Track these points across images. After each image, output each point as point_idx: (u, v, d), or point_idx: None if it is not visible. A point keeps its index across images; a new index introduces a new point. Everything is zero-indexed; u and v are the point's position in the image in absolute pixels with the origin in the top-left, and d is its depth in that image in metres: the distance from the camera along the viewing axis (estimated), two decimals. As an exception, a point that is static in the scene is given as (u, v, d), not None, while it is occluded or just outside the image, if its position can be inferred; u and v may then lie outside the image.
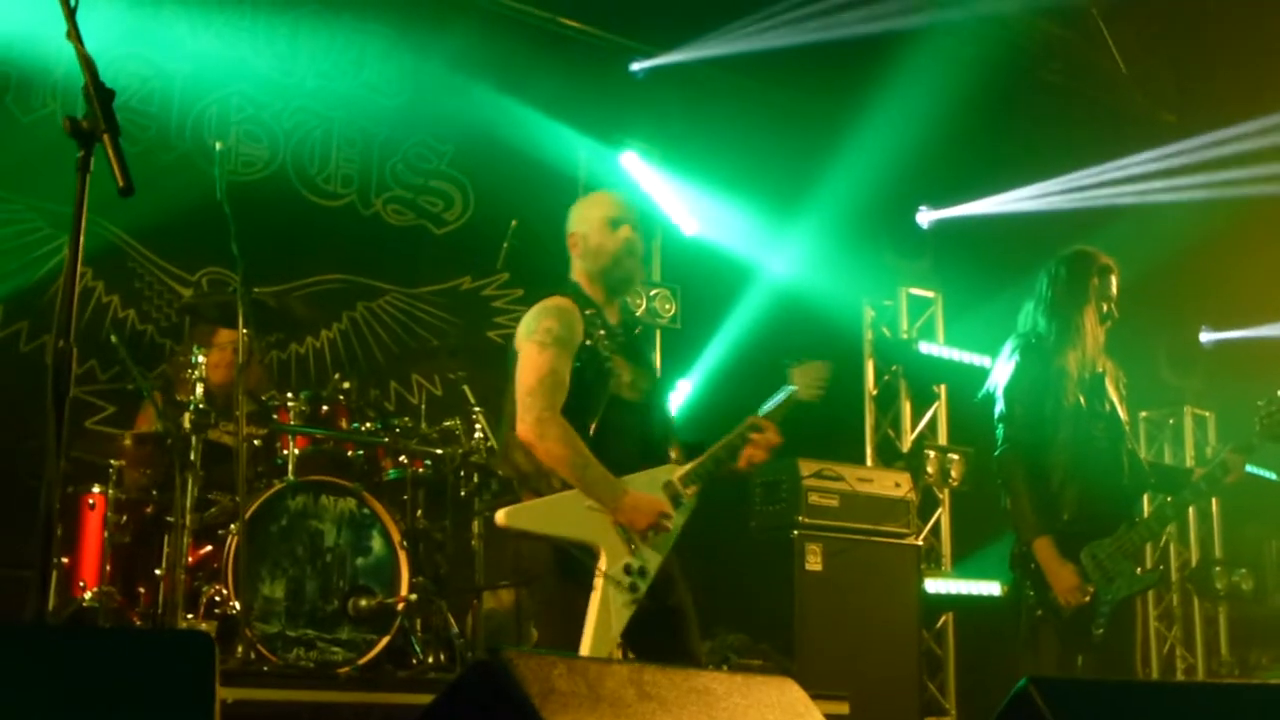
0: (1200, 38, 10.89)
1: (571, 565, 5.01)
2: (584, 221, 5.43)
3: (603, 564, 4.97)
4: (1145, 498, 7.32)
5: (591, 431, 5.12)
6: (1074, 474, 6.09)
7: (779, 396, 5.46)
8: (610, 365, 5.23)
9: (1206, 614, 12.40)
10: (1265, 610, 12.06)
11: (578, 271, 5.43)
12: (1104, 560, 5.99)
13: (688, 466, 5.26)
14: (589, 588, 4.95)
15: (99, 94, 3.51)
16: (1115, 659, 6.02)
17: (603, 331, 5.29)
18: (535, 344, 5.17)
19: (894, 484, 9.11)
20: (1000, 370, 6.26)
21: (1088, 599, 5.93)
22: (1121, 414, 6.31)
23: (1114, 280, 6.30)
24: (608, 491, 5.03)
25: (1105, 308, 6.27)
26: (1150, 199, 11.29)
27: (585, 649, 4.83)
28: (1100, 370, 6.26)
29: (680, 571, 5.30)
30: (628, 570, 5.00)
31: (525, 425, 5.07)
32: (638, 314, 9.67)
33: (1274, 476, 10.81)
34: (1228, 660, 12.22)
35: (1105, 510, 6.12)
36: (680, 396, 9.63)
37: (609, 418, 5.18)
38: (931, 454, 10.67)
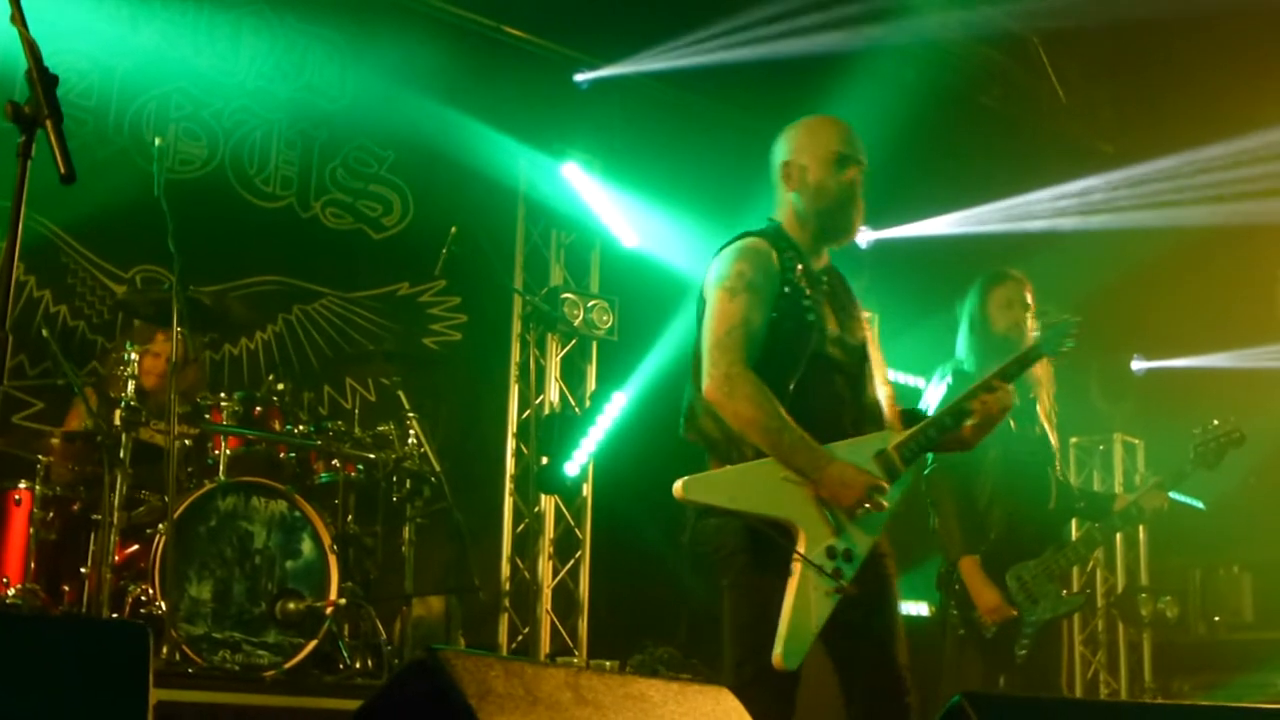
0: (1140, 70, 11.00)
1: (765, 546, 4.35)
2: (806, 152, 4.73)
3: (801, 545, 4.27)
4: (1074, 522, 7.38)
5: (790, 392, 4.42)
6: (1001, 495, 6.14)
7: (1020, 352, 5.00)
8: (813, 318, 4.55)
9: (1131, 640, 12.51)
10: (1189, 638, 12.17)
11: (785, 205, 4.75)
12: (1029, 582, 6.04)
13: (906, 434, 4.58)
14: (785, 573, 4.27)
15: (42, 79, 3.46)
16: (1038, 680, 6.06)
17: (805, 278, 4.60)
18: (725, 290, 4.50)
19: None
20: (932, 392, 6.27)
21: (1010, 619, 5.97)
22: (1051, 438, 6.35)
23: (1028, 294, 6.29)
24: (808, 459, 4.33)
25: (1013, 318, 6.25)
26: (1086, 226, 11.40)
27: (780, 643, 4.18)
28: (1032, 396, 6.29)
29: (891, 558, 4.62)
30: (831, 554, 4.29)
31: (712, 382, 4.43)
32: (575, 324, 9.68)
33: (1202, 506, 10.91)
34: (1150, 687, 12.32)
35: (1032, 532, 6.17)
36: (615, 409, 9.61)
37: (811, 377, 4.49)
38: (864, 473, 10.68)
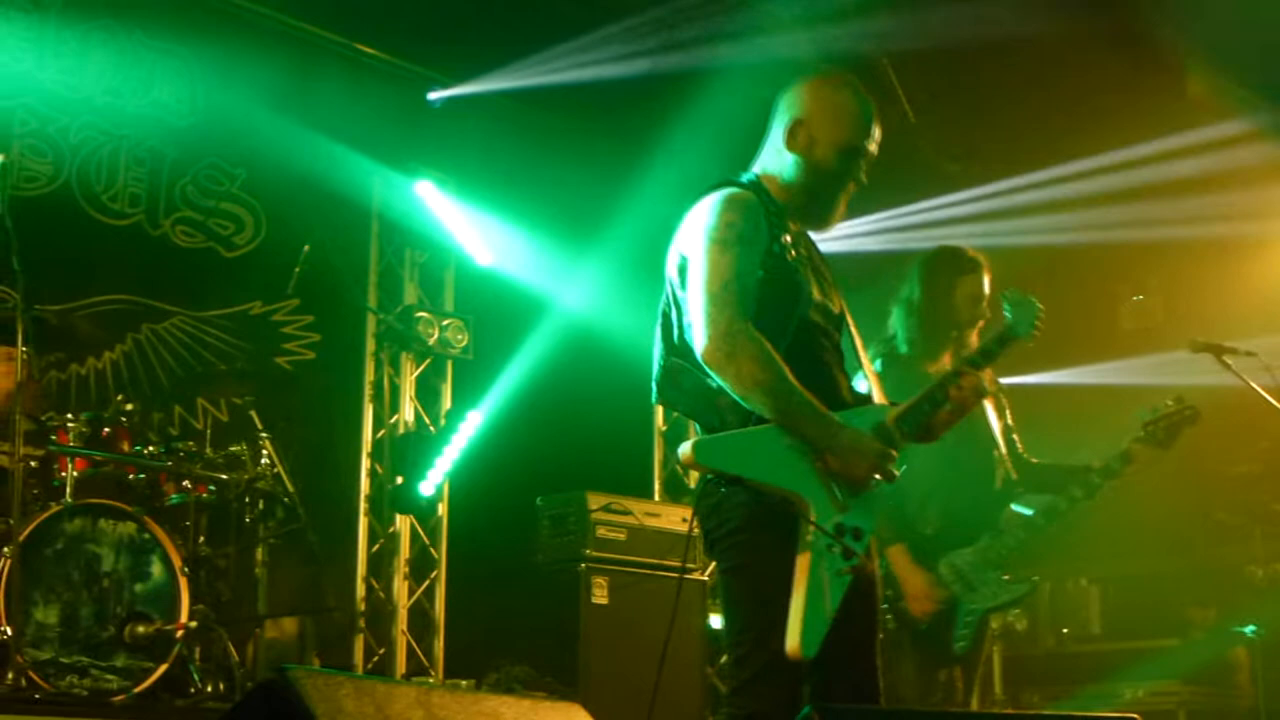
0: (985, 92, 11.17)
1: (775, 517, 3.91)
2: (821, 126, 4.29)
3: (813, 519, 3.86)
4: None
5: (782, 357, 3.96)
6: (938, 486, 5.80)
7: (994, 333, 4.63)
8: (802, 278, 4.15)
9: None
10: (1037, 650, 12.35)
11: (776, 161, 4.34)
12: (965, 570, 5.78)
13: (902, 407, 4.22)
14: (794, 553, 3.86)
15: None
16: (974, 673, 5.89)
17: (789, 238, 4.18)
18: (716, 242, 4.04)
19: (681, 519, 9.16)
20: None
21: (940, 607, 5.71)
22: (995, 421, 6.11)
23: (985, 278, 6.04)
24: (818, 427, 3.91)
25: (976, 308, 5.99)
26: (932, 245, 11.56)
27: (794, 629, 3.77)
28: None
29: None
30: (840, 531, 3.89)
31: (710, 340, 3.94)
32: (430, 343, 9.65)
33: (1031, 514, 11.10)
34: (1001, 699, 12.47)
35: (968, 520, 5.86)
36: (470, 428, 9.59)
37: (801, 343, 4.08)
38: (719, 490, 10.75)
